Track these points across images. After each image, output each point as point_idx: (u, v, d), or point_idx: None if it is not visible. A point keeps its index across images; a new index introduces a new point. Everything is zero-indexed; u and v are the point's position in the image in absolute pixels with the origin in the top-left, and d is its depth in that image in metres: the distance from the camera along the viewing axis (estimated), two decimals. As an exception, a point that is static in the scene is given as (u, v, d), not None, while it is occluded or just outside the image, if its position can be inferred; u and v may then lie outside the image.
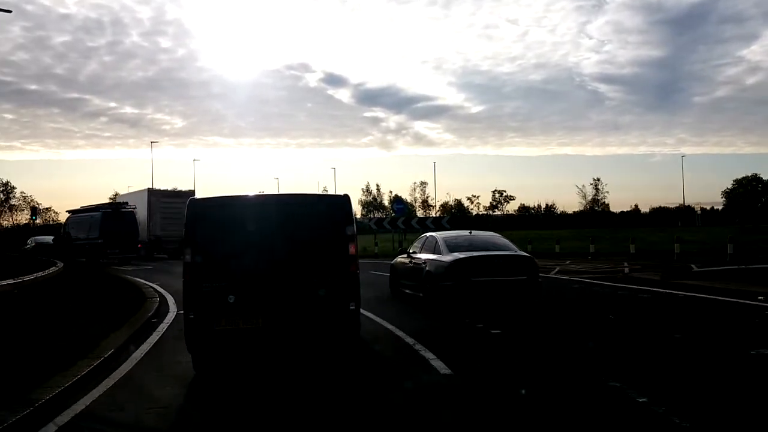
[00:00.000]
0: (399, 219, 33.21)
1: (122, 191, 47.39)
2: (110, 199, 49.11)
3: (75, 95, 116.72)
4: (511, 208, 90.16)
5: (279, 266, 7.06)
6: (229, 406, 5.62)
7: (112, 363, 7.23)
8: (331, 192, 55.95)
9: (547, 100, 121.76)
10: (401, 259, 13.86)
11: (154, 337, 9.20)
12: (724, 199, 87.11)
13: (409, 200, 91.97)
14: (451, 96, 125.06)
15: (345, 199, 7.66)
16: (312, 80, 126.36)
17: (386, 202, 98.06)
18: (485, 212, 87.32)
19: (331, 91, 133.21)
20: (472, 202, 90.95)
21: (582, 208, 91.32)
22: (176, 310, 11.95)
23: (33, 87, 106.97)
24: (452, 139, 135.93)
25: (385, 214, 79.37)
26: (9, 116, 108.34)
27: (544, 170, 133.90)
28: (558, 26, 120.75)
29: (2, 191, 76.92)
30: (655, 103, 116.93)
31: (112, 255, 29.56)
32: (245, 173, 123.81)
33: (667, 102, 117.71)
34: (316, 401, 5.73)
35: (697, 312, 10.71)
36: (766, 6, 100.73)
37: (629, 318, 10.28)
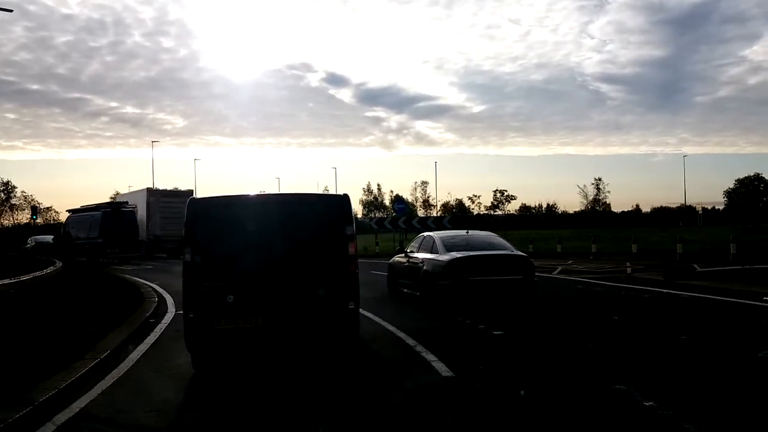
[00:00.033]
0: (400, 219, 33.01)
1: (123, 191, 47.35)
2: (111, 198, 49.00)
3: (77, 95, 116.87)
4: (512, 207, 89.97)
5: (278, 266, 7.05)
6: (227, 406, 5.53)
7: (109, 364, 7.13)
8: (332, 191, 55.92)
9: (549, 99, 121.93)
10: (399, 258, 13.93)
11: (152, 338, 9.08)
12: (725, 199, 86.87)
13: (410, 200, 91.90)
14: (452, 96, 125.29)
15: (344, 199, 7.65)
16: (313, 80, 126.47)
17: (387, 202, 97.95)
18: (486, 212, 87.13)
19: (332, 91, 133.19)
20: (473, 202, 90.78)
21: (583, 208, 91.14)
22: (174, 310, 11.86)
23: (35, 87, 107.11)
24: (453, 138, 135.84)
25: (386, 214, 79.23)
26: (11, 116, 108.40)
27: (545, 170, 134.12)
28: (560, 26, 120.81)
29: (3, 191, 76.87)
30: (656, 103, 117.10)
31: (112, 254, 29.50)
32: (246, 173, 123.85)
33: (669, 102, 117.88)
34: (316, 403, 5.64)
35: (702, 313, 10.59)
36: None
37: (633, 319, 10.15)
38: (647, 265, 19.54)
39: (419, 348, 7.62)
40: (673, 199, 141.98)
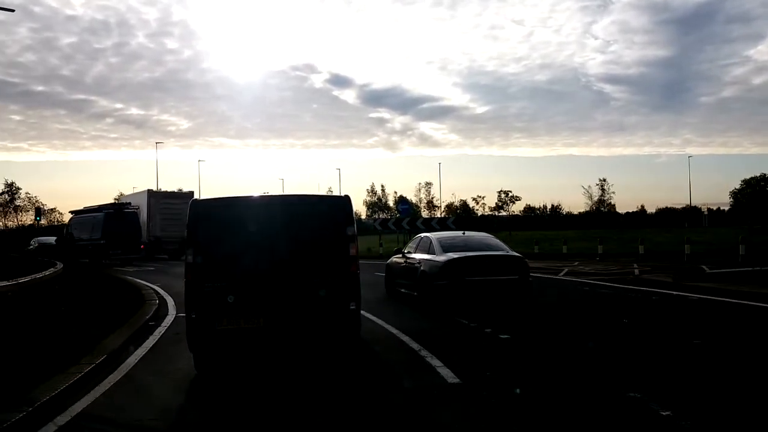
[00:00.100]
0: (404, 219, 32.85)
1: (128, 192, 47.41)
2: (115, 199, 49.01)
3: (81, 96, 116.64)
4: (516, 208, 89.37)
5: (280, 266, 7.08)
6: (227, 408, 5.41)
7: (106, 368, 6.97)
8: (336, 193, 55.81)
9: (553, 100, 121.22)
10: (396, 259, 14.12)
11: (151, 341, 8.91)
12: (731, 199, 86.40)
13: (414, 201, 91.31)
14: (456, 97, 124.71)
15: (346, 200, 7.71)
16: (317, 81, 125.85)
17: (391, 203, 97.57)
18: (491, 213, 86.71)
19: (336, 92, 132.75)
20: (477, 203, 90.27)
21: (588, 209, 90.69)
22: (175, 312, 11.71)
23: (40, 88, 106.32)
24: (457, 139, 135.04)
25: (390, 215, 79.02)
26: (16, 117, 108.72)
27: (549, 171, 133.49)
28: (563, 26, 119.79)
29: (7, 192, 76.86)
30: (661, 103, 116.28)
31: (114, 256, 29.37)
32: (251, 174, 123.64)
33: (673, 102, 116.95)
34: (318, 407, 5.49)
35: (714, 316, 10.34)
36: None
37: (643, 322, 9.91)
38: (654, 266, 19.27)
39: (424, 352, 7.41)
40: (677, 200, 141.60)
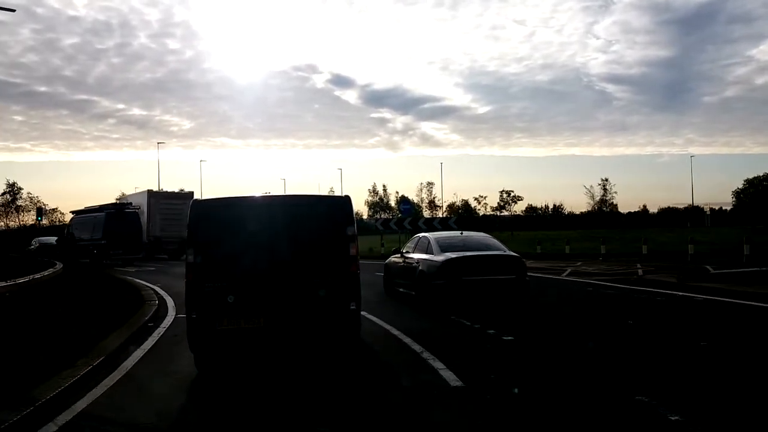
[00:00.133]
0: (406, 219, 32.69)
1: (129, 192, 47.30)
2: (116, 200, 48.92)
3: (84, 97, 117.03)
4: (518, 208, 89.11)
5: (280, 266, 7.10)
6: (227, 408, 5.33)
7: (102, 371, 6.85)
8: (338, 193, 55.76)
9: (554, 100, 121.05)
10: (395, 258, 14.21)
11: (149, 343, 8.80)
12: (734, 199, 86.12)
13: (415, 201, 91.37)
14: (457, 97, 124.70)
15: (346, 200, 7.71)
16: (319, 81, 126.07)
17: (393, 203, 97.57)
18: (492, 213, 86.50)
19: (338, 92, 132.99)
20: (479, 203, 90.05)
21: (590, 209, 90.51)
22: (174, 313, 11.59)
23: (42, 89, 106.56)
24: (459, 139, 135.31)
25: (392, 215, 78.93)
26: (19, 118, 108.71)
27: (551, 171, 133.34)
28: (565, 27, 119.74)
29: (9, 192, 76.76)
30: (663, 103, 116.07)
31: (115, 256, 29.30)
32: (252, 174, 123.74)
33: (676, 102, 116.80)
34: (319, 409, 5.38)
35: (720, 317, 10.20)
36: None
37: (649, 323, 9.76)
38: (658, 266, 19.12)
39: (426, 354, 7.29)
40: (679, 200, 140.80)
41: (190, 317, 6.96)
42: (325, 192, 66.80)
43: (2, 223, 76.35)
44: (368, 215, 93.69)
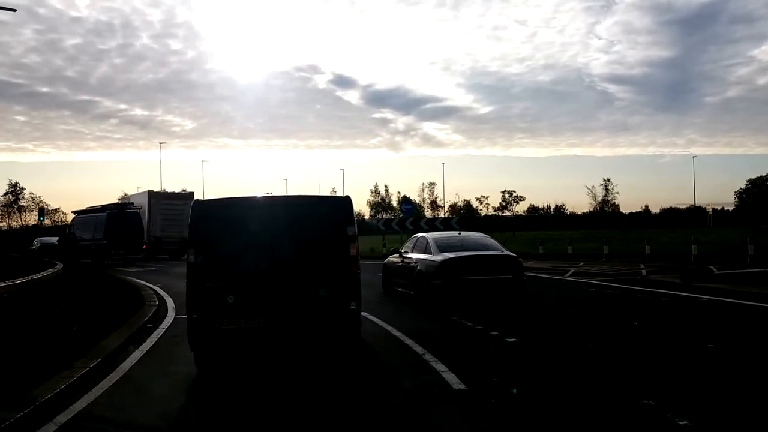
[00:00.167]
0: (407, 220, 32.57)
1: (131, 192, 47.29)
2: (118, 200, 48.91)
3: (86, 97, 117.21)
4: (520, 208, 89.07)
5: (281, 266, 7.10)
6: (227, 408, 5.29)
7: (99, 372, 6.77)
8: (339, 193, 55.66)
9: (556, 100, 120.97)
10: (393, 258, 14.28)
11: (148, 344, 8.72)
12: (736, 199, 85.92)
13: (417, 201, 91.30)
14: (459, 97, 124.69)
15: (346, 200, 7.73)
16: (321, 82, 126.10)
17: (395, 203, 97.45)
18: (494, 213, 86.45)
19: (340, 93, 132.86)
20: (481, 203, 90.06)
21: (592, 209, 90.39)
22: (174, 314, 11.51)
23: (45, 89, 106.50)
24: (461, 140, 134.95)
25: (394, 215, 78.78)
26: (21, 118, 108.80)
27: (553, 171, 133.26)
28: (567, 27, 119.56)
29: (11, 192, 76.77)
30: (664, 103, 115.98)
31: (116, 256, 29.24)
32: (254, 174, 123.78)
33: (677, 102, 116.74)
34: (318, 408, 5.33)
35: (726, 318, 10.08)
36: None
37: (653, 324, 9.65)
38: (661, 267, 19.01)
39: (428, 356, 7.19)
40: (681, 200, 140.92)
41: (191, 317, 6.96)
42: (327, 192, 66.78)
43: (5, 224, 76.44)
44: (370, 215, 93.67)
